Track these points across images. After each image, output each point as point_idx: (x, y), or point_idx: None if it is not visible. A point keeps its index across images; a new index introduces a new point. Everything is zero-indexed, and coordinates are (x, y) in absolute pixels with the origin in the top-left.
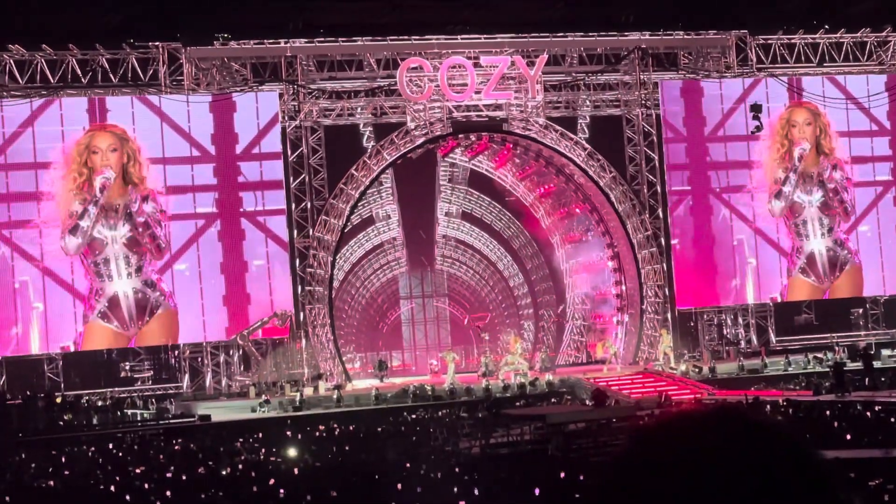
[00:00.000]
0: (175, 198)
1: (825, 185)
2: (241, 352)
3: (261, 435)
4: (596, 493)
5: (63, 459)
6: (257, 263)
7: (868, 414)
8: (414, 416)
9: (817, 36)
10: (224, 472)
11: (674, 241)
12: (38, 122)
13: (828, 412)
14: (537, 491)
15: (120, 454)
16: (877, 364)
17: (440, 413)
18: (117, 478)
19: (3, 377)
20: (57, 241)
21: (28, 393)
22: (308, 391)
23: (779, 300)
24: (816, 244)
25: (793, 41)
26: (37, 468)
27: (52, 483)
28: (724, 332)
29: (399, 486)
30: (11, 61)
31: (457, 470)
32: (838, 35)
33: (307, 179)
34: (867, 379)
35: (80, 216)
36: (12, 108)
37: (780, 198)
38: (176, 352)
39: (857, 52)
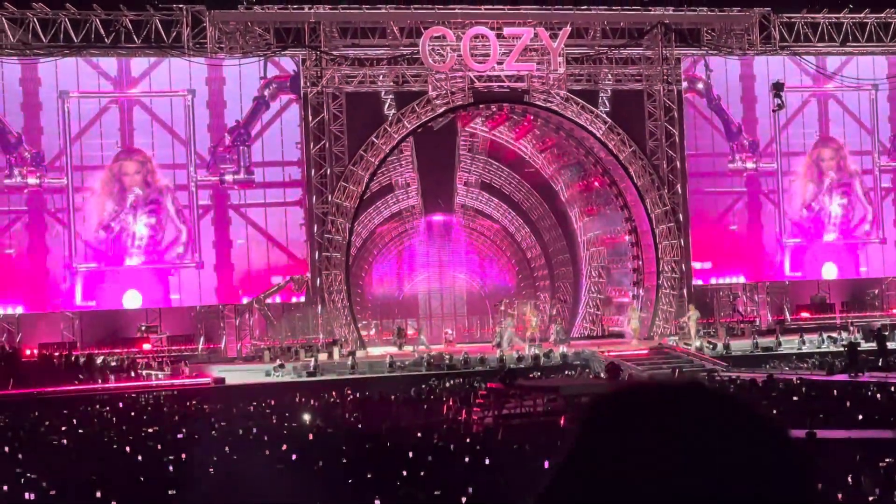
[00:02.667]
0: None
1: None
2: (256, 315)
3: (271, 401)
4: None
5: (77, 418)
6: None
7: (880, 396)
8: (430, 385)
9: (841, 15)
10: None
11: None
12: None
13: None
14: (546, 463)
15: (133, 414)
16: (891, 345)
17: (452, 382)
18: (130, 437)
19: (20, 334)
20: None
21: (44, 351)
22: (322, 357)
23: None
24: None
25: (816, 20)
26: (50, 426)
27: (64, 441)
28: (740, 308)
29: (410, 453)
30: (35, 20)
31: (468, 440)
32: (862, 15)
33: (327, 146)
34: (881, 360)
35: (111, 218)
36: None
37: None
38: (192, 314)
39: (881, 33)
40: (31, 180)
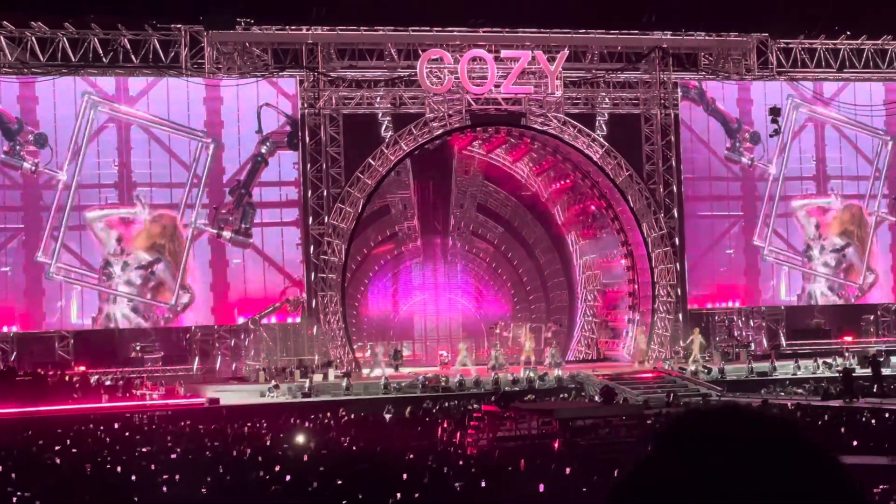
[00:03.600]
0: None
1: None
2: (251, 336)
3: (264, 422)
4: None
5: (71, 438)
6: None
7: (874, 421)
8: (424, 407)
9: (838, 42)
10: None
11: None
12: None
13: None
14: (542, 487)
15: (127, 434)
16: (885, 371)
17: (448, 404)
18: (124, 457)
19: (15, 353)
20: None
21: (39, 370)
22: (317, 378)
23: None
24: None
25: (814, 46)
26: (44, 445)
27: (58, 460)
28: (735, 333)
29: (404, 475)
30: (34, 38)
31: (462, 462)
32: (859, 42)
33: (324, 167)
34: (875, 386)
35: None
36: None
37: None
38: (187, 334)
39: (878, 59)
40: (26, 165)
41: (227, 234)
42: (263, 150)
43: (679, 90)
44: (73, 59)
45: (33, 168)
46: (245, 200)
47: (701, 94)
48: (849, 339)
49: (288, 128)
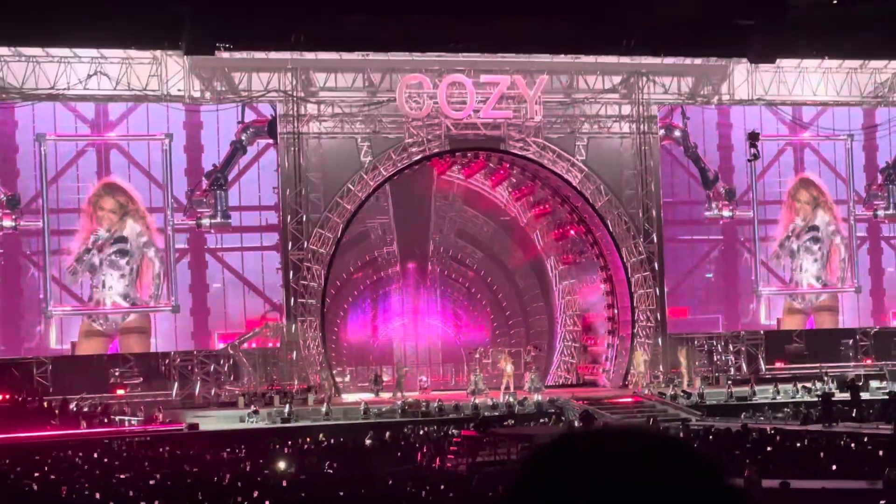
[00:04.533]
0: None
1: (821, 240)
2: (231, 361)
3: (244, 447)
4: None
5: (49, 464)
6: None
7: (854, 445)
8: (404, 432)
9: (817, 66)
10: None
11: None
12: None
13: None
14: None
15: (106, 460)
16: (864, 395)
17: (427, 429)
18: (102, 483)
19: None
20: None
21: (17, 396)
22: (297, 403)
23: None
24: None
25: (792, 70)
26: (22, 472)
27: (35, 486)
28: (715, 358)
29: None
30: (9, 65)
31: (442, 487)
32: (838, 66)
33: (303, 192)
34: (854, 410)
35: (85, 252)
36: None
37: (783, 249)
38: (166, 360)
39: (858, 84)
40: (7, 223)
41: (206, 221)
42: (243, 138)
43: (662, 130)
44: (53, 85)
45: (14, 226)
46: (221, 186)
47: (684, 138)
48: (868, 361)
49: (269, 116)
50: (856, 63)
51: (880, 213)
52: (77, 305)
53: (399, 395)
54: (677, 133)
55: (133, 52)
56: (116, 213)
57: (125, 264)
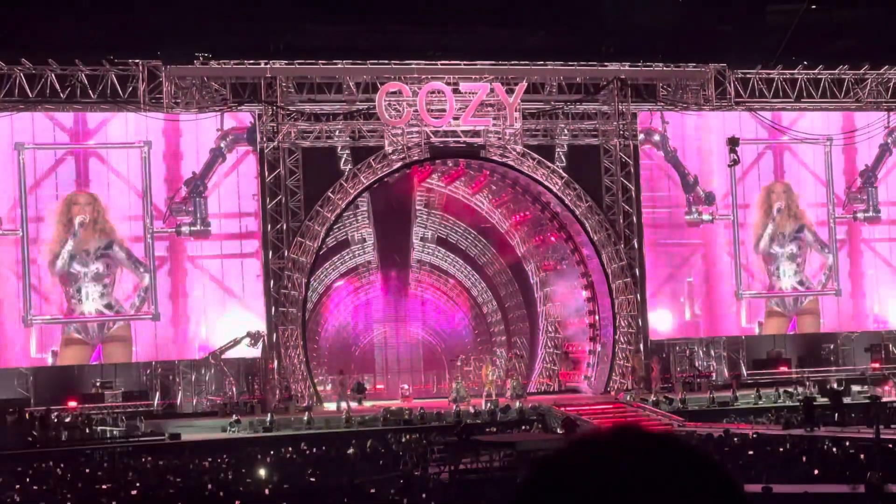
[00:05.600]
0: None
1: (797, 239)
2: (212, 371)
3: (226, 457)
4: None
5: (30, 475)
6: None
7: (835, 450)
8: (388, 440)
9: (795, 72)
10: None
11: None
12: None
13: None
14: None
15: (88, 471)
16: (847, 400)
17: (408, 437)
18: (84, 495)
19: None
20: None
21: None
22: (279, 412)
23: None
24: (787, 282)
25: (771, 76)
26: (3, 483)
27: (17, 498)
28: (696, 363)
29: None
30: None
31: (424, 496)
32: (816, 71)
33: (284, 201)
34: (836, 415)
35: (58, 254)
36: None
37: (758, 249)
38: (147, 370)
39: (835, 89)
40: None
41: (185, 228)
42: (222, 145)
43: (641, 135)
44: (31, 95)
45: None
46: (201, 193)
47: (664, 142)
48: (875, 365)
49: (248, 123)
50: (834, 68)
51: (860, 215)
52: (56, 315)
53: (343, 405)
54: (657, 137)
55: (112, 62)
56: (93, 221)
57: (103, 272)
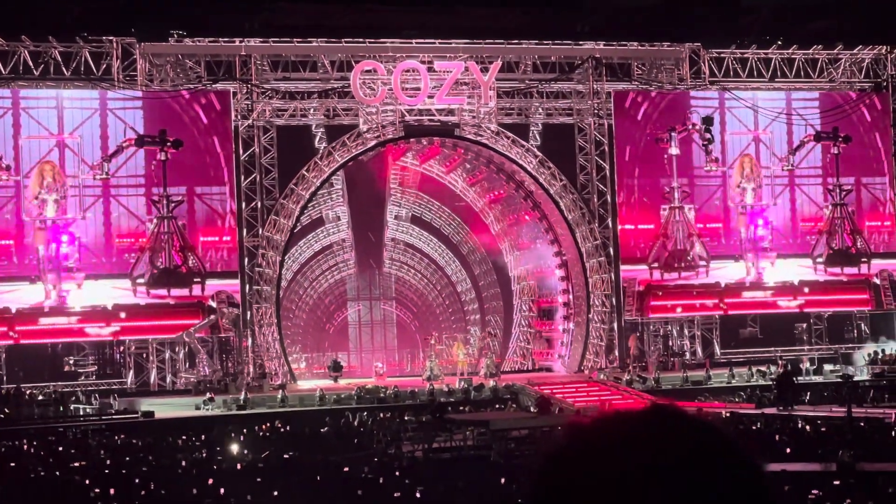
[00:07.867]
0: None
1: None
2: (186, 349)
3: (200, 435)
4: (530, 488)
5: (3, 453)
6: None
7: (809, 428)
8: (359, 418)
9: (770, 51)
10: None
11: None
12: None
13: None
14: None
15: (61, 449)
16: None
17: (383, 415)
18: (57, 472)
19: None
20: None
21: None
22: (253, 390)
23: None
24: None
25: (745, 56)
26: None
27: None
28: (670, 343)
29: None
30: None
31: (398, 473)
32: (790, 51)
33: (258, 179)
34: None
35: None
36: None
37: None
38: (121, 347)
39: (809, 69)
40: None
41: (106, 166)
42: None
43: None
44: (4, 73)
45: None
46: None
47: (640, 121)
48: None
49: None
50: (809, 49)
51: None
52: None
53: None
54: (633, 117)
55: (87, 38)
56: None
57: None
